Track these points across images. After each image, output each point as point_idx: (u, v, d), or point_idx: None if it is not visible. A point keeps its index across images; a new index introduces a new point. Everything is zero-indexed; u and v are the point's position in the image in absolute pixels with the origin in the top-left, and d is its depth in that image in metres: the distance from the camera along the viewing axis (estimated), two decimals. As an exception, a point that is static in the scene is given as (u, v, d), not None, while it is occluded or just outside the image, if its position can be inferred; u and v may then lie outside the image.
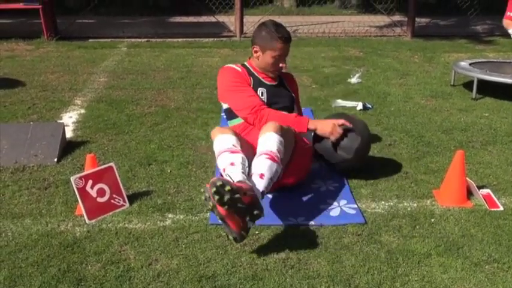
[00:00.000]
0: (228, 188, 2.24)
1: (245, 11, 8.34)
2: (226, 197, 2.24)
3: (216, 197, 2.23)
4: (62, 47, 7.05)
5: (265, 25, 3.06)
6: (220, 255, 2.39)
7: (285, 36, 3.00)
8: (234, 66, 3.18)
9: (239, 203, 2.29)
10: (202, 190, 2.41)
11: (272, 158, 2.59)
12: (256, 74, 3.13)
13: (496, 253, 2.44)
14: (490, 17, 9.66)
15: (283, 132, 2.73)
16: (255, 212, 2.36)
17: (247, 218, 2.34)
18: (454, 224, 2.70)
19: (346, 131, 3.03)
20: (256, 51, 3.07)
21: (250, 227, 2.39)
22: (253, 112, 2.96)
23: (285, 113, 3.05)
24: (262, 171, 2.54)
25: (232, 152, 2.62)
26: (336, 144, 3.06)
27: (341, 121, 3.04)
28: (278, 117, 2.95)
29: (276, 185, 2.86)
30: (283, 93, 3.18)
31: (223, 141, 2.69)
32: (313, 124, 3.03)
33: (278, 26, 3.04)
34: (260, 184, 2.49)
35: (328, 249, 2.43)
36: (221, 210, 2.28)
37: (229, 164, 2.55)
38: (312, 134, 3.12)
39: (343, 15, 10.17)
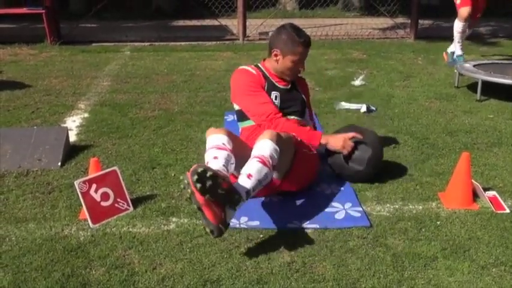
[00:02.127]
0: (210, 173, 2.22)
1: (248, 14, 8.34)
2: (208, 183, 2.21)
3: (198, 185, 2.19)
4: (65, 52, 7.07)
5: (285, 28, 3.06)
6: (224, 259, 2.38)
7: (306, 41, 3.02)
8: (248, 68, 3.17)
9: (219, 189, 2.26)
10: (181, 178, 2.32)
11: (263, 162, 2.53)
12: (270, 77, 3.13)
13: (503, 256, 2.42)
14: (494, 19, 9.65)
15: (280, 140, 2.66)
16: (236, 197, 2.34)
17: (228, 206, 2.31)
18: (460, 226, 2.68)
19: (357, 144, 3.04)
20: (276, 55, 3.06)
21: (229, 223, 2.35)
22: (268, 120, 2.98)
23: (297, 125, 3.06)
24: (251, 172, 2.48)
25: (219, 148, 2.60)
26: (347, 157, 3.05)
27: (351, 134, 3.05)
28: (292, 128, 2.97)
29: (278, 192, 2.88)
30: (295, 97, 3.18)
31: (214, 140, 2.67)
32: (325, 139, 3.04)
33: (299, 30, 3.05)
34: (246, 183, 2.44)
35: (334, 253, 2.42)
36: (200, 198, 2.24)
37: (212, 158, 2.54)
38: (325, 148, 3.11)
39: (346, 18, 10.17)
